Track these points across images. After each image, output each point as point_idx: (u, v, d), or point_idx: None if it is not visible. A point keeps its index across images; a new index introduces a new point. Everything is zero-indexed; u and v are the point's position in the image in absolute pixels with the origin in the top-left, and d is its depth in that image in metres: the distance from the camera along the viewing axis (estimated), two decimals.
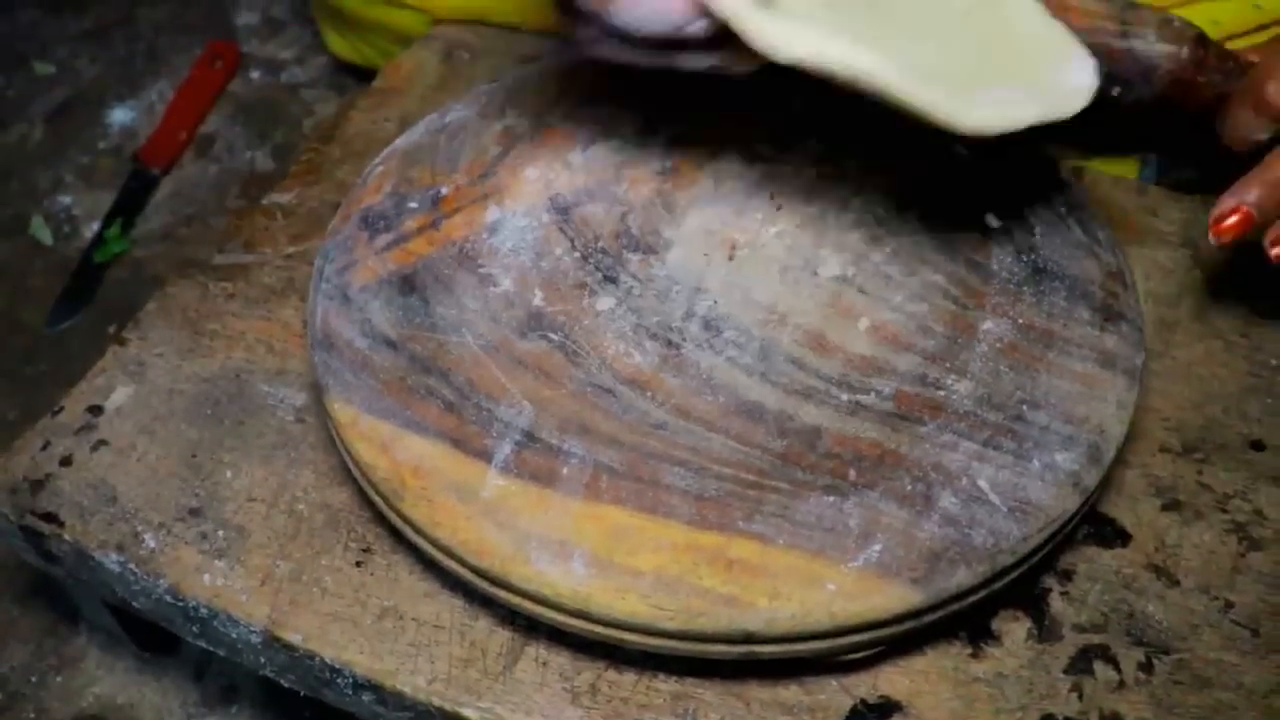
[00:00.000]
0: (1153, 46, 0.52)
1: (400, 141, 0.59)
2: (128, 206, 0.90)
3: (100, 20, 1.07)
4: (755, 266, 0.50)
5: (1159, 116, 0.55)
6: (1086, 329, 0.50)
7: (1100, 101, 0.52)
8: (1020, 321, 0.50)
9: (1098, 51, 0.51)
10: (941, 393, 0.47)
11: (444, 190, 0.55)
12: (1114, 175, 0.65)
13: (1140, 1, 0.55)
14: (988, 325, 0.49)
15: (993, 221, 0.54)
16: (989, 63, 0.47)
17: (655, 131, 0.56)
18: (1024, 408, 0.47)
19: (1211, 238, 0.51)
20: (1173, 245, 0.61)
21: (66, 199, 0.92)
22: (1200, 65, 0.53)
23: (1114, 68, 0.53)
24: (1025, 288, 0.51)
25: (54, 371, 0.80)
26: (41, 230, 0.90)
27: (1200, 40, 0.53)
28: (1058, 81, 0.47)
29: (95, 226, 0.89)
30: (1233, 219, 0.51)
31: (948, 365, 0.48)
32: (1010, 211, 0.54)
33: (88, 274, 0.86)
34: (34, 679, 0.65)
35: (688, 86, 0.50)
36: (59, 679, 0.65)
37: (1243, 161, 0.52)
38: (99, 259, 0.87)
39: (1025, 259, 0.52)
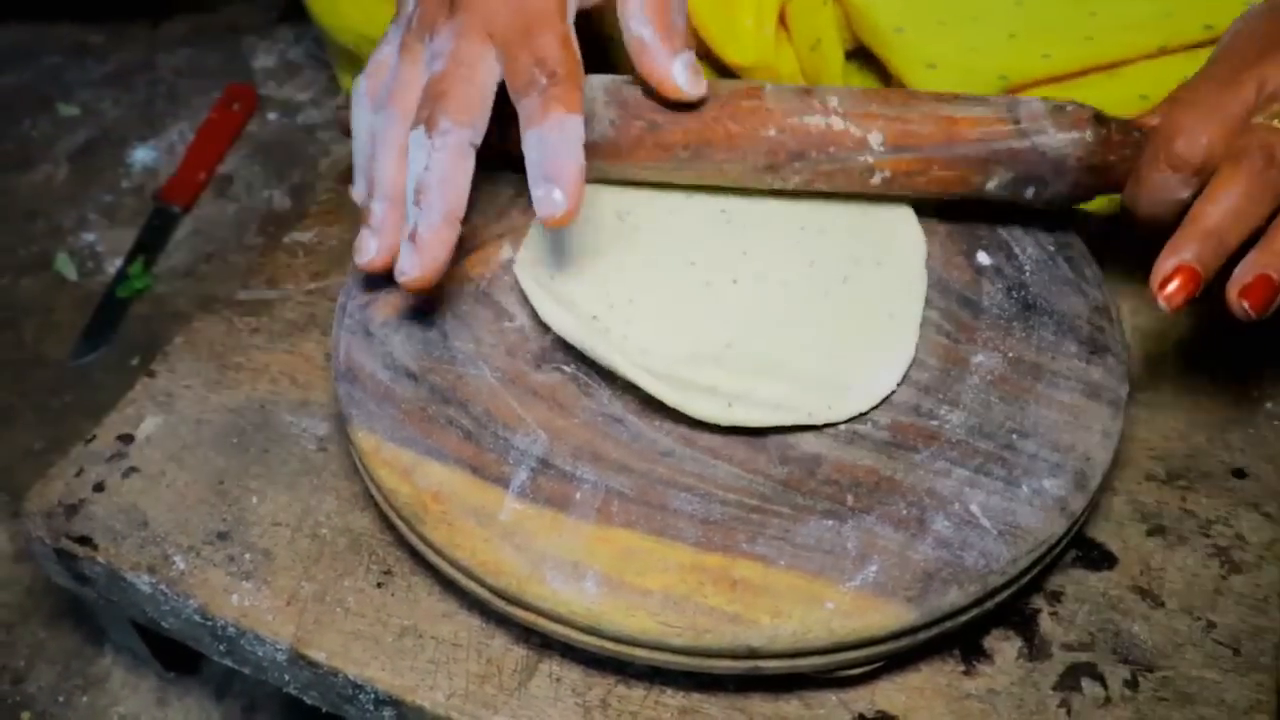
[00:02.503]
0: (1055, 139, 0.52)
1: None
2: (149, 244, 0.93)
3: (122, 64, 1.10)
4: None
5: (1077, 201, 0.55)
6: (1073, 361, 0.52)
7: (1015, 205, 0.54)
8: (1010, 355, 0.52)
9: (1001, 158, 0.53)
10: (935, 422, 0.50)
11: (461, 230, 0.58)
12: (1104, 213, 0.68)
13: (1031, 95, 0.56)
14: (979, 358, 0.52)
15: (984, 259, 0.56)
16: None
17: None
18: (1013, 436, 0.49)
19: (1161, 303, 0.49)
20: None
21: (90, 236, 0.95)
22: (1108, 144, 0.53)
23: (1022, 170, 0.53)
24: (1015, 323, 0.54)
25: (78, 403, 0.83)
26: (66, 266, 0.92)
27: (1098, 119, 0.53)
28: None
29: (118, 263, 0.92)
30: (1176, 281, 0.48)
31: (941, 396, 0.51)
32: (1001, 250, 0.57)
33: (111, 309, 0.89)
34: (61, 699, 0.67)
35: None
36: (85, 699, 0.67)
37: (1162, 232, 0.51)
38: (122, 294, 0.89)
39: (1015, 295, 0.55)
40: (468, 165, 0.49)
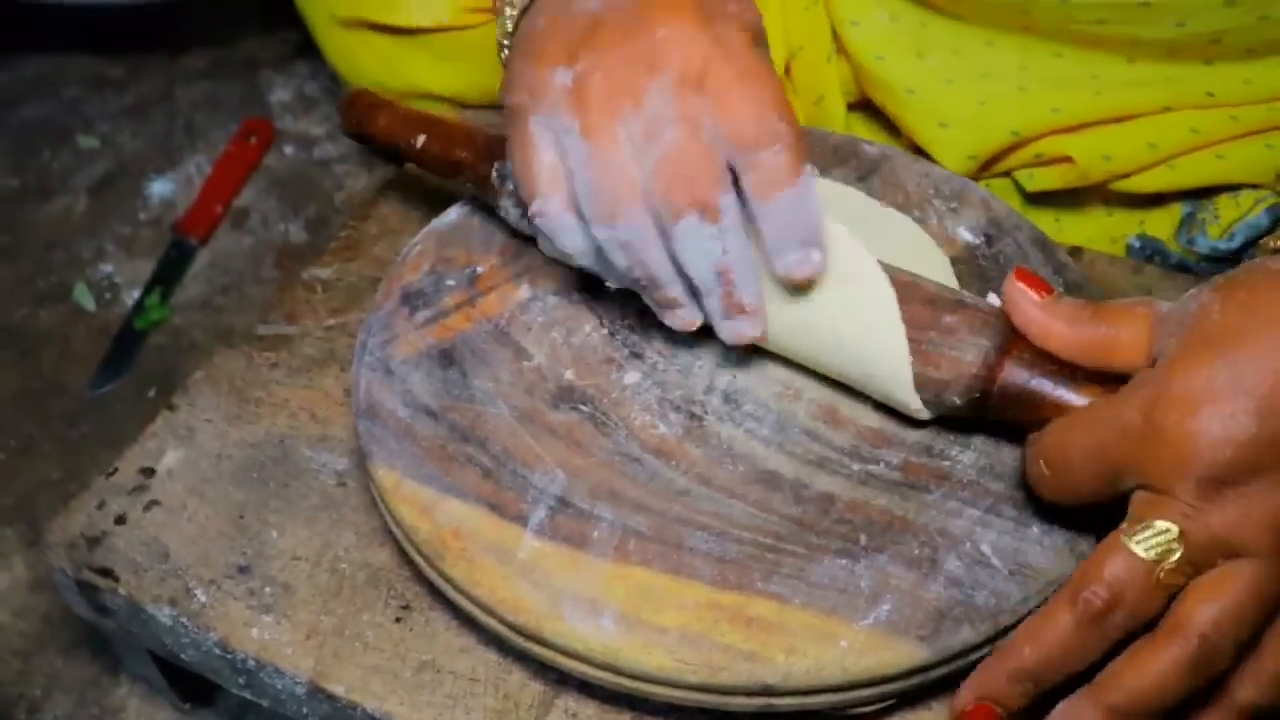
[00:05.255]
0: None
1: (436, 222, 0.63)
2: (167, 275, 0.94)
3: (141, 97, 1.11)
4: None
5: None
6: None
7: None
8: None
9: None
10: (946, 463, 0.50)
11: (479, 269, 0.59)
12: (1110, 254, 0.69)
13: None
14: None
15: (995, 301, 0.57)
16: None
17: None
18: (1024, 477, 0.50)
19: None
20: None
21: (108, 267, 0.96)
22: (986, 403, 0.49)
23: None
24: None
25: (96, 433, 0.84)
26: (85, 297, 0.94)
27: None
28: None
29: (136, 294, 0.93)
30: None
31: (952, 437, 0.51)
32: None
33: (128, 340, 0.90)
34: None
35: None
36: None
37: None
38: (139, 325, 0.91)
39: None
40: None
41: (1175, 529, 0.41)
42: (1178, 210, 0.70)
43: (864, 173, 0.63)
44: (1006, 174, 0.72)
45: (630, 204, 0.46)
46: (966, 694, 0.45)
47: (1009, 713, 0.44)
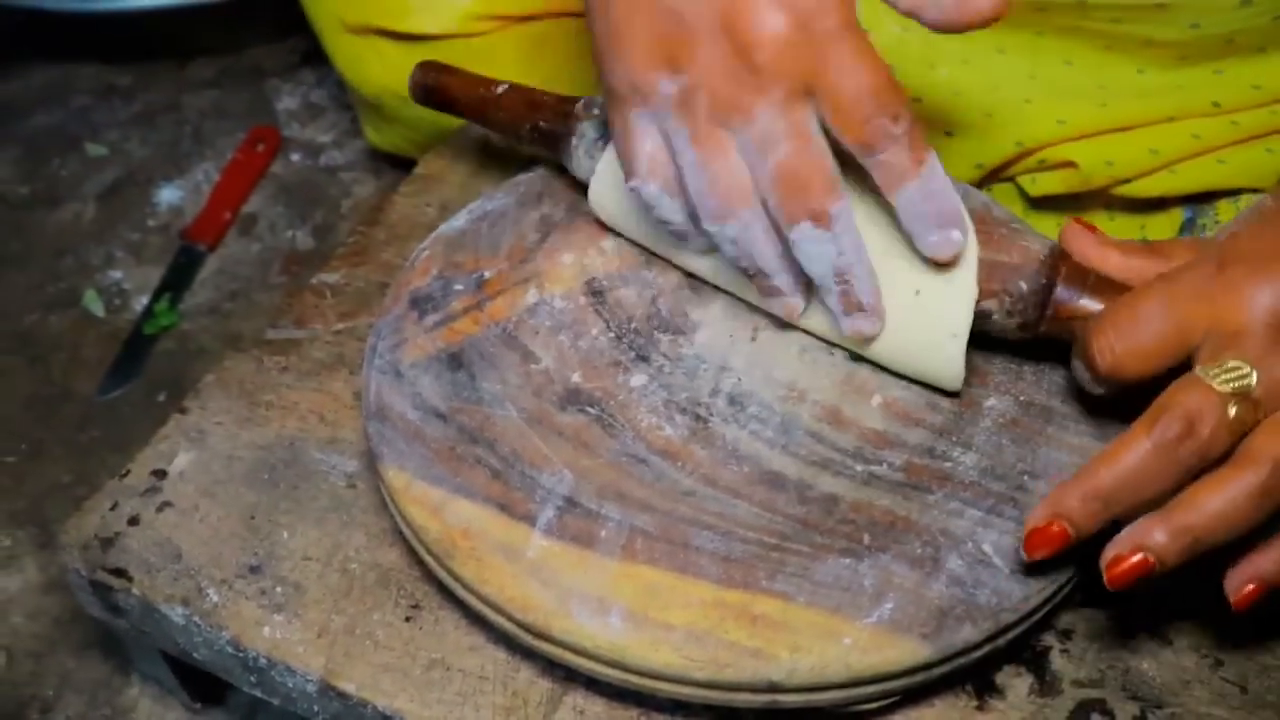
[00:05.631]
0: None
1: (444, 227, 0.64)
2: (176, 281, 0.95)
3: (149, 105, 1.12)
4: (776, 346, 0.54)
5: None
6: (1082, 404, 0.54)
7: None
8: (1021, 399, 0.54)
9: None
10: (948, 464, 0.51)
11: (487, 274, 0.60)
12: (1149, 236, 0.70)
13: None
14: (991, 402, 0.54)
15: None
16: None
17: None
18: (1025, 478, 0.51)
19: (1022, 554, 0.47)
20: None
21: (117, 274, 0.97)
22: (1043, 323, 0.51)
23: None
24: (1026, 366, 0.55)
25: (106, 437, 0.84)
26: (94, 303, 0.94)
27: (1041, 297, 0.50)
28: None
29: (145, 300, 0.94)
30: (1042, 539, 0.45)
31: (954, 439, 0.52)
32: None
33: (137, 345, 0.91)
34: None
35: None
36: None
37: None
38: (148, 331, 0.91)
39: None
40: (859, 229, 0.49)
41: (1248, 367, 0.44)
42: (1179, 215, 0.71)
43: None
44: (1010, 179, 0.73)
45: (743, 205, 0.48)
46: (1040, 511, 0.46)
47: (1079, 534, 0.45)
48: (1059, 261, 0.51)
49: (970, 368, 0.54)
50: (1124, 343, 0.47)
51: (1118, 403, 0.51)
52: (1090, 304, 0.50)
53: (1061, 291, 0.51)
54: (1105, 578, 0.45)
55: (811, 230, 0.47)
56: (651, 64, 0.47)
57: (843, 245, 0.48)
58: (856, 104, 0.45)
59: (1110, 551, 0.45)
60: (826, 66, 0.45)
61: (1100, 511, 0.45)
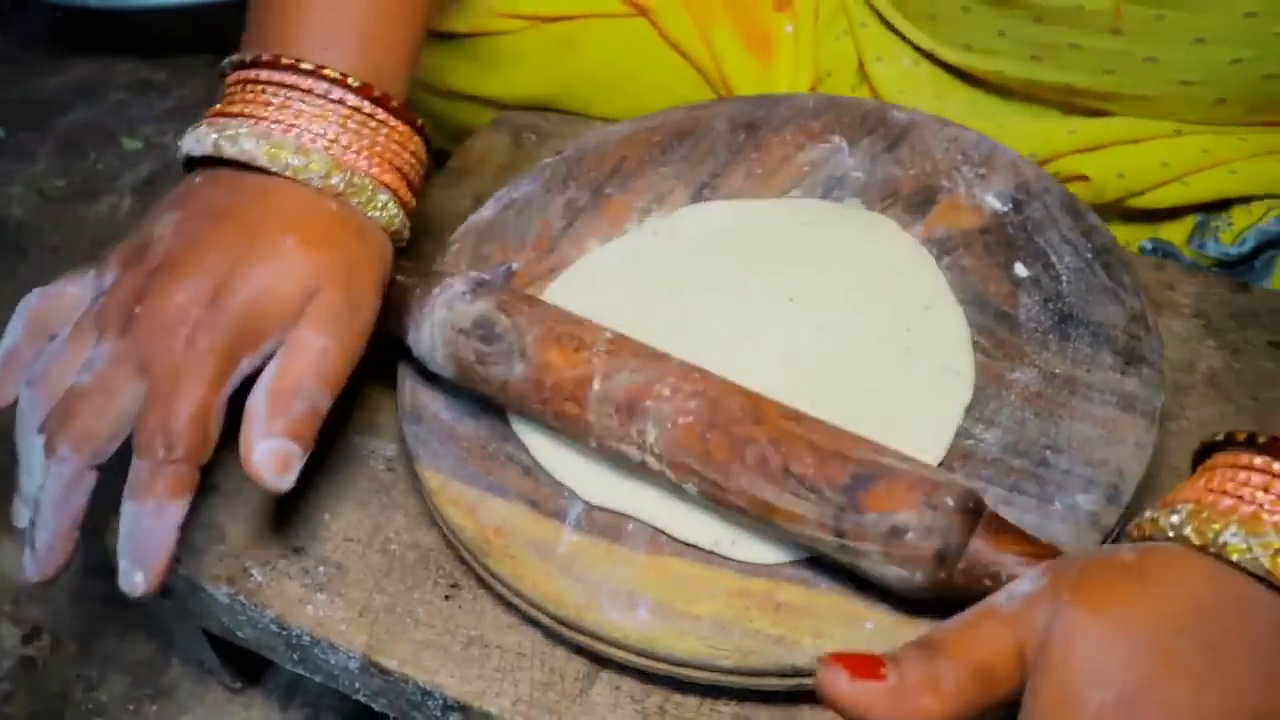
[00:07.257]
0: (879, 568, 0.45)
1: (473, 219, 0.65)
2: None
3: (183, 100, 1.14)
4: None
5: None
6: (1109, 373, 0.53)
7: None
8: (1045, 369, 0.54)
9: (824, 555, 0.48)
10: (970, 441, 0.52)
11: (515, 265, 0.61)
12: (1161, 237, 0.71)
13: None
14: (1015, 375, 0.54)
15: (1022, 271, 0.58)
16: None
17: (703, 199, 0.62)
18: (1047, 453, 0.51)
19: None
20: (1187, 316, 0.66)
21: None
22: (945, 583, 0.44)
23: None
24: (1050, 336, 0.55)
25: None
26: None
27: (940, 558, 0.44)
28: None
29: None
30: None
31: (977, 415, 0.53)
32: (1039, 260, 0.58)
33: None
34: (131, 707, 0.70)
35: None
36: (154, 708, 0.70)
37: None
38: None
39: (1051, 306, 0.56)
40: (85, 485, 0.50)
41: None
42: (1191, 221, 0.72)
43: (892, 141, 0.65)
44: None
45: (43, 389, 0.52)
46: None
47: None
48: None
49: (994, 339, 0.55)
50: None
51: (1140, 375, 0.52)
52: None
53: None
54: None
55: (39, 447, 0.50)
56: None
57: (50, 485, 0.49)
58: (156, 407, 0.49)
59: None
60: (164, 375, 0.49)
61: None
